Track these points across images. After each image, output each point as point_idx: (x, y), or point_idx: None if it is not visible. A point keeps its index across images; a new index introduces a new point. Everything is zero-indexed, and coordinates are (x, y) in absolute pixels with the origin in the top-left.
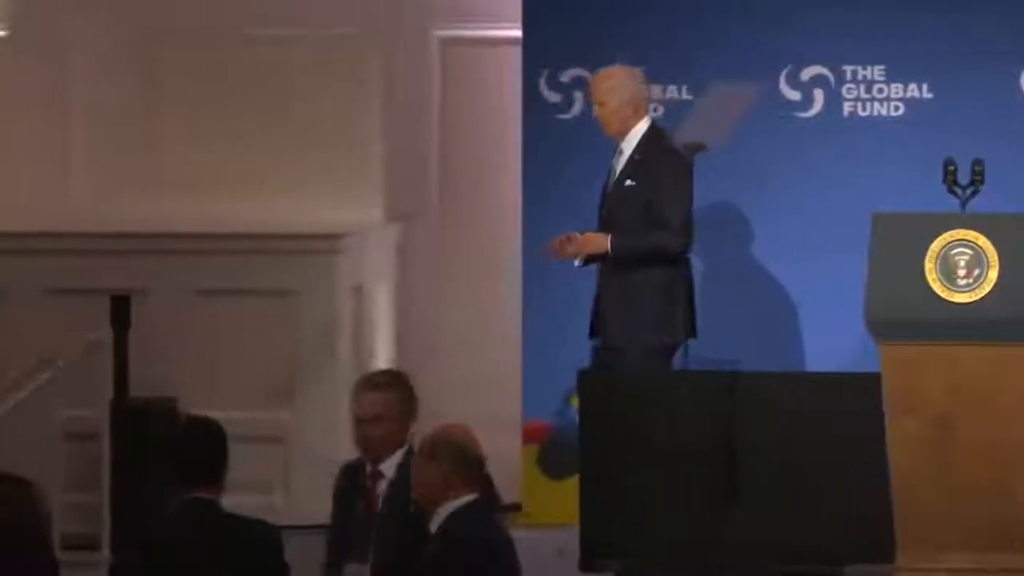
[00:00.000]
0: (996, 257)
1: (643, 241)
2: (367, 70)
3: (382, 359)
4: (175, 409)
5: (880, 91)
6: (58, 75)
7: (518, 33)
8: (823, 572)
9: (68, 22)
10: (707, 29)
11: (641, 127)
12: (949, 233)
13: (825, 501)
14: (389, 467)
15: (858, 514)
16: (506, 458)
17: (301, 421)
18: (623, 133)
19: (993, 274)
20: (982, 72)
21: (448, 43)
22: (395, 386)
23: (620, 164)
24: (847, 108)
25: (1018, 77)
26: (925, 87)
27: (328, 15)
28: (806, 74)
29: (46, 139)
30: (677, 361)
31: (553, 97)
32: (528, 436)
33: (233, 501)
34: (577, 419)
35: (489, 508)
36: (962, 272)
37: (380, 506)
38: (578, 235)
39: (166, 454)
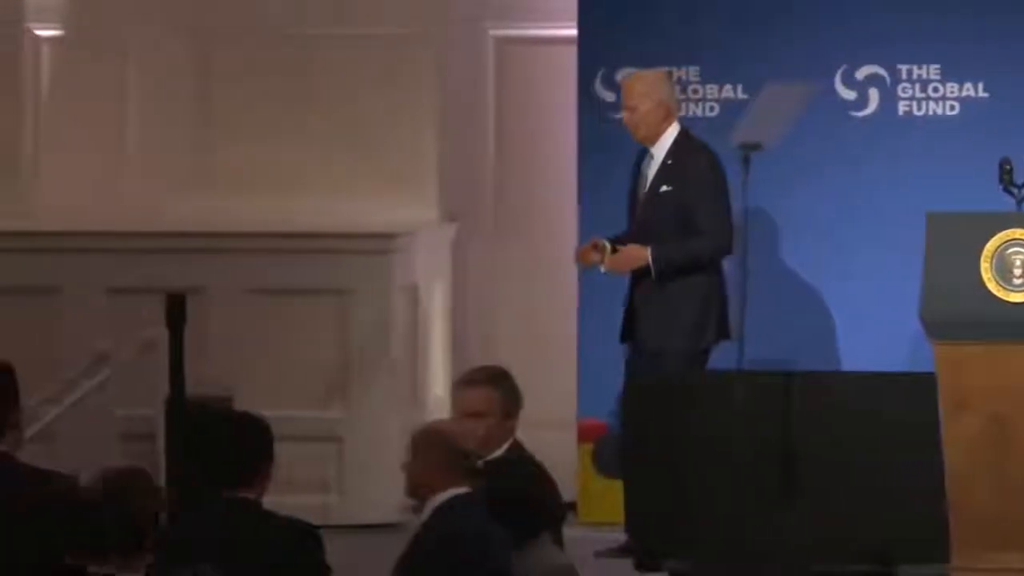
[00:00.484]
0: None
1: (683, 251)
2: (422, 70)
3: (437, 359)
4: (231, 408)
5: (935, 90)
6: (113, 75)
7: (573, 32)
8: (877, 572)
9: (123, 23)
10: (762, 28)
11: (672, 131)
12: (1004, 232)
13: (879, 500)
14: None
15: (912, 514)
16: (561, 457)
17: (356, 420)
18: (653, 138)
19: None
20: None
21: (503, 42)
22: (492, 382)
23: (652, 170)
24: (902, 107)
25: None
26: (980, 86)
27: (383, 15)
28: (861, 73)
29: (101, 139)
30: (732, 361)
31: (608, 96)
32: (583, 435)
33: (287, 501)
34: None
35: (476, 502)
36: (1018, 271)
37: None
38: (604, 242)
39: (207, 453)
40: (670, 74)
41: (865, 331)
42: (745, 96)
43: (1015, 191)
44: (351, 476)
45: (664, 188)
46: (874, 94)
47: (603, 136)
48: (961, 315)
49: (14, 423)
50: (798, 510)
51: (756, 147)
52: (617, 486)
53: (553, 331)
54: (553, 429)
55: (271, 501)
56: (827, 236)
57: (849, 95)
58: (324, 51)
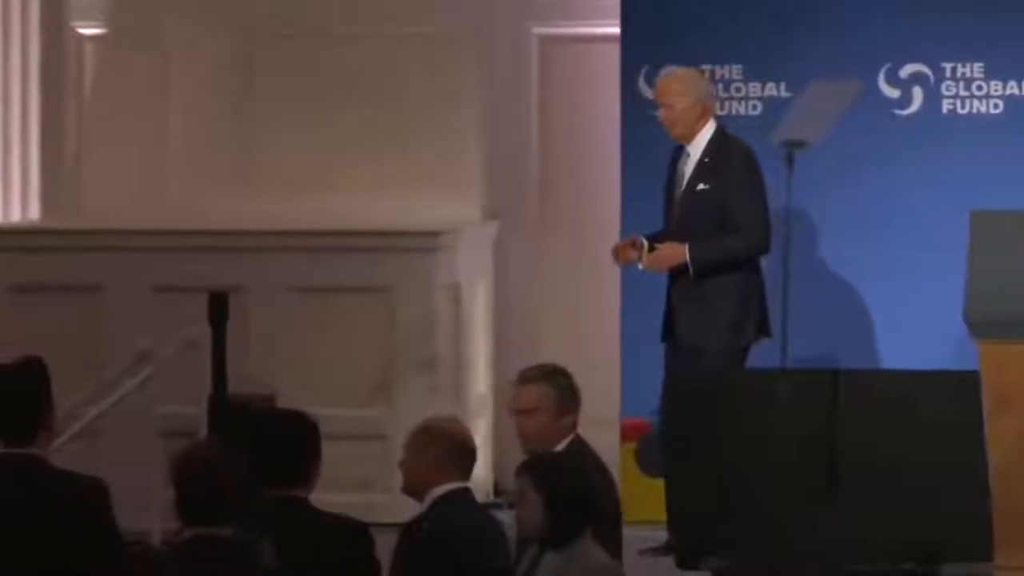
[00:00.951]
0: None
1: (720, 249)
2: (465, 68)
3: (479, 357)
4: (275, 406)
5: (979, 88)
6: (156, 74)
7: (616, 30)
8: (920, 571)
9: (165, 21)
10: (805, 26)
11: (708, 129)
12: None
13: (922, 499)
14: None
15: (955, 512)
16: (604, 456)
17: (398, 418)
18: (690, 136)
19: None
20: None
21: (546, 40)
22: (547, 379)
23: (689, 167)
24: (946, 106)
25: None
26: None
27: (427, 13)
28: (905, 71)
29: (144, 137)
30: (774, 361)
31: (651, 94)
32: (626, 434)
33: (331, 499)
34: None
35: (473, 498)
36: None
37: None
38: (642, 239)
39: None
40: (705, 72)
41: (908, 330)
42: (788, 94)
43: None
44: (394, 474)
45: (701, 186)
46: (918, 92)
47: (646, 134)
48: (1005, 314)
49: (46, 424)
50: (840, 509)
51: (800, 145)
52: (659, 485)
53: (596, 329)
54: (596, 427)
55: (315, 499)
56: (870, 235)
57: (893, 93)
58: (367, 49)
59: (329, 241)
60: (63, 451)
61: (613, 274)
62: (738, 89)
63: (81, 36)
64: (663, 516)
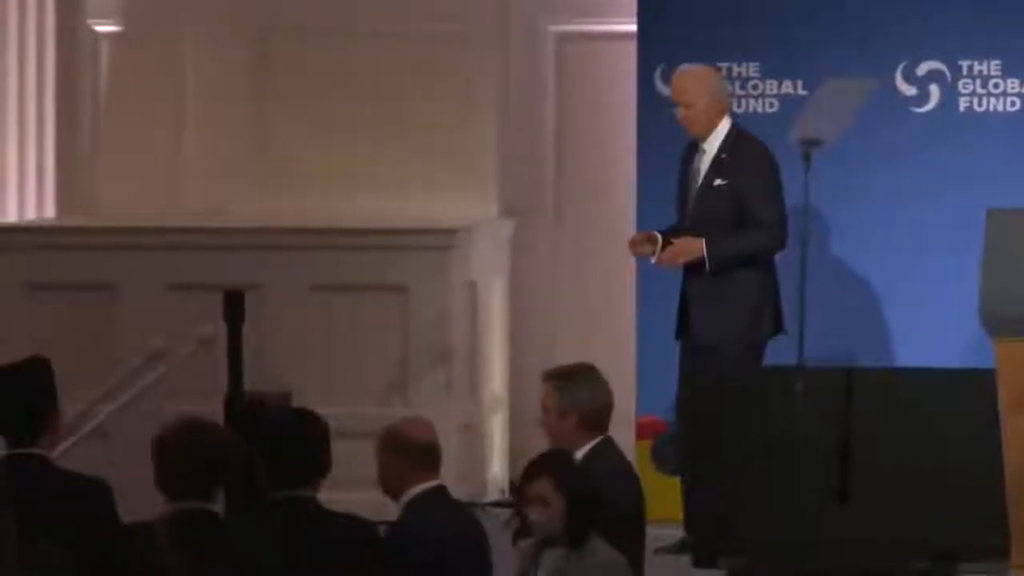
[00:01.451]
0: None
1: (738, 244)
2: (482, 66)
3: (495, 354)
4: (290, 405)
5: (996, 86)
6: (172, 71)
7: (632, 28)
8: (936, 569)
9: (182, 19)
10: (822, 24)
11: (724, 126)
12: None
13: (938, 498)
14: (579, 457)
15: (971, 511)
16: None
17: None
18: (708, 134)
19: None
20: None
21: (563, 38)
22: (554, 379)
23: (705, 164)
24: (963, 103)
25: None
26: None
27: (442, 11)
28: (922, 69)
29: (159, 135)
30: (791, 359)
31: (667, 91)
32: (641, 432)
33: (347, 497)
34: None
35: (445, 498)
36: None
37: None
38: (657, 234)
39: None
40: (720, 70)
41: (924, 328)
42: (804, 92)
43: None
44: None
45: (718, 182)
46: (935, 90)
47: (663, 131)
48: (1022, 312)
49: (51, 425)
50: (856, 508)
51: (816, 143)
52: (675, 483)
53: (611, 327)
54: (611, 426)
55: (333, 498)
56: (887, 233)
57: (910, 91)
58: (383, 47)
59: (345, 239)
60: (76, 450)
61: (629, 271)
62: (755, 87)
63: (97, 34)
64: (678, 515)
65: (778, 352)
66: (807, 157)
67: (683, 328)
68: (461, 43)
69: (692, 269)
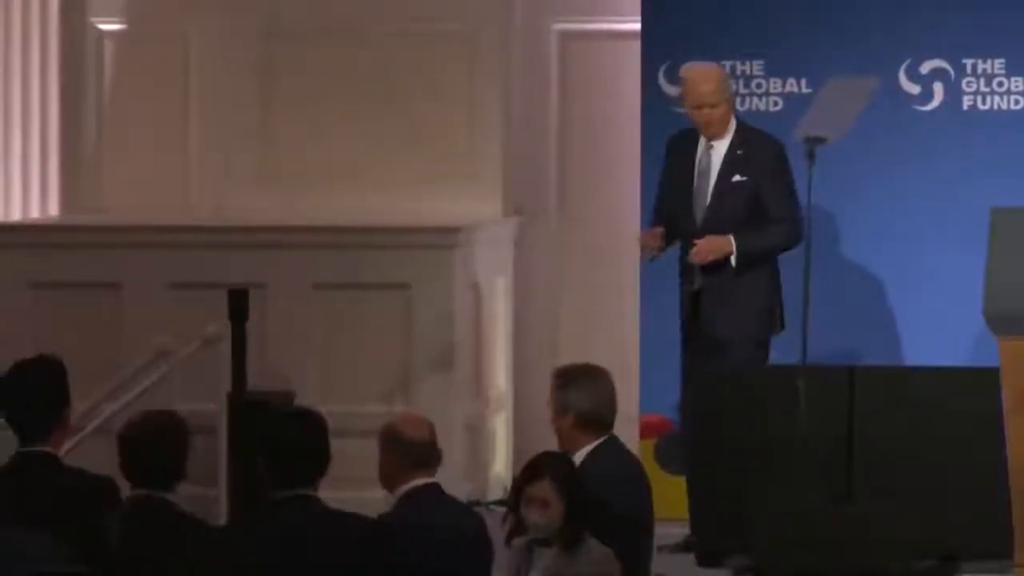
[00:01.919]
0: None
1: (765, 240)
2: (485, 64)
3: (499, 353)
4: (292, 403)
5: (1000, 84)
6: (176, 69)
7: (636, 26)
8: (940, 567)
9: (185, 16)
10: (827, 22)
11: (733, 122)
12: None
13: (941, 496)
14: (579, 458)
15: (975, 510)
16: None
17: None
18: (724, 131)
19: None
20: None
21: (566, 37)
22: (556, 379)
23: (717, 160)
24: (967, 102)
25: None
26: None
27: (447, 10)
28: (926, 68)
29: (163, 133)
30: (795, 357)
31: (672, 90)
32: (645, 431)
33: (351, 496)
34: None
35: (435, 495)
36: None
37: None
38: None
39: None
40: (724, 67)
41: (928, 327)
42: (809, 90)
43: None
44: None
45: (737, 178)
46: (939, 88)
47: (667, 130)
48: None
49: (62, 422)
50: (859, 506)
51: (820, 141)
52: (679, 483)
53: (615, 326)
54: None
55: (336, 497)
56: (890, 231)
57: (913, 89)
58: (387, 47)
59: (349, 238)
60: (80, 448)
61: (633, 270)
62: (759, 85)
63: (101, 32)
64: (683, 513)
65: (781, 350)
66: (811, 155)
67: (690, 326)
68: (465, 42)
69: (706, 268)
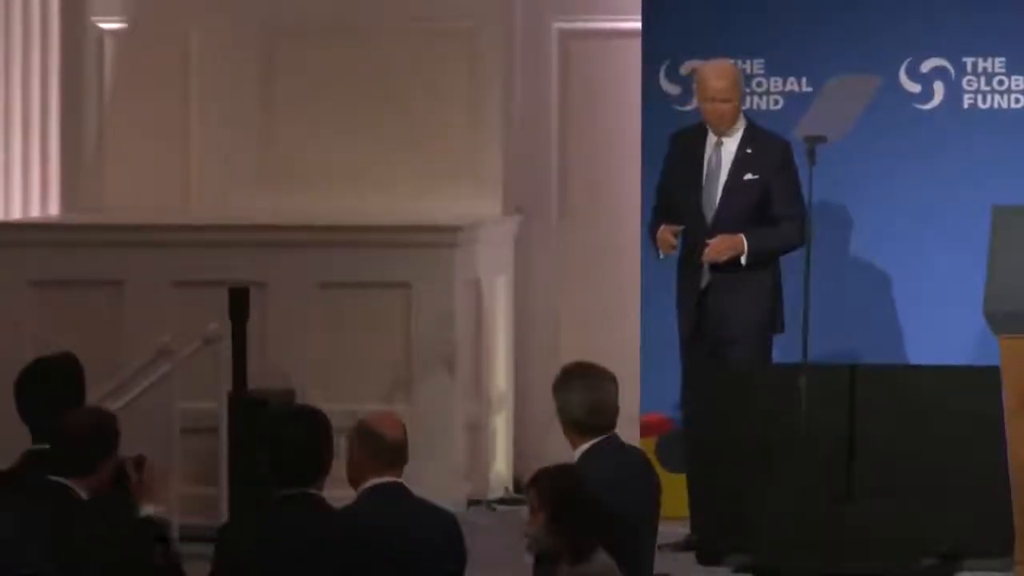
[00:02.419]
0: None
1: (775, 238)
2: (486, 63)
3: (499, 352)
4: (293, 402)
5: (1000, 83)
6: (177, 68)
7: (637, 25)
8: (941, 566)
9: (186, 15)
10: (827, 21)
11: (743, 120)
12: None
13: (942, 495)
14: (576, 457)
15: (976, 508)
16: None
17: (418, 414)
18: (733, 127)
19: None
20: None
21: (567, 35)
22: (562, 379)
23: (727, 158)
24: (967, 100)
25: None
26: None
27: (447, 8)
28: (926, 66)
29: (164, 132)
30: (796, 356)
31: (673, 89)
32: (646, 430)
33: (351, 496)
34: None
35: (396, 494)
36: None
37: None
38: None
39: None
40: None
41: (929, 325)
42: (809, 89)
43: None
44: (413, 470)
45: (748, 176)
46: (939, 87)
47: (667, 128)
48: None
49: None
50: (860, 505)
51: (821, 140)
52: (680, 481)
53: (616, 324)
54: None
55: (336, 495)
56: (891, 229)
57: (914, 88)
58: (387, 45)
59: (349, 236)
60: None
61: (634, 269)
62: (759, 84)
63: (102, 31)
64: (683, 512)
65: (782, 350)
66: (812, 154)
67: (694, 325)
68: (465, 41)
69: (713, 265)
